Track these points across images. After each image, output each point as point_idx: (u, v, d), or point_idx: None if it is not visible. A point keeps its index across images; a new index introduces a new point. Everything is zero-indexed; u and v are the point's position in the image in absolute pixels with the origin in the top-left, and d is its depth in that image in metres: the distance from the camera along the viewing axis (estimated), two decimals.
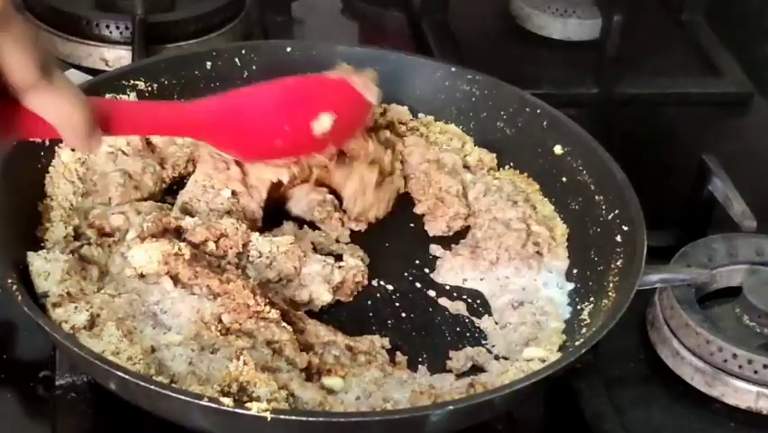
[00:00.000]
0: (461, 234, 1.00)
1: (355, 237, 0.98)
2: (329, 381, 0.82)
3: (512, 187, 1.02)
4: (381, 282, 0.94)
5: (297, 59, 1.05)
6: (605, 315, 0.85)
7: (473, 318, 0.92)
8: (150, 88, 1.02)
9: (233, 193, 0.95)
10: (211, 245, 0.90)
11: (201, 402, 0.72)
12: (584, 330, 0.87)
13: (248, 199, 0.96)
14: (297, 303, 0.90)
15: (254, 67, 1.06)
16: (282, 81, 0.94)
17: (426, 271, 0.96)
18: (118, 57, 1.20)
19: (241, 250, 0.91)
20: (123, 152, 0.98)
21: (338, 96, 0.94)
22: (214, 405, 0.72)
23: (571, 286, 0.94)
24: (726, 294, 0.97)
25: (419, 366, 0.86)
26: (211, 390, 0.77)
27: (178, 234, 0.90)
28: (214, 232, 0.90)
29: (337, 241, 0.97)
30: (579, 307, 0.91)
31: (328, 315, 0.91)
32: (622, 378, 0.92)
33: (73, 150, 0.95)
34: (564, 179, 1.01)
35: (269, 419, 0.72)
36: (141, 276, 0.86)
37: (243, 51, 1.06)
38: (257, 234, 0.92)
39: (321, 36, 1.35)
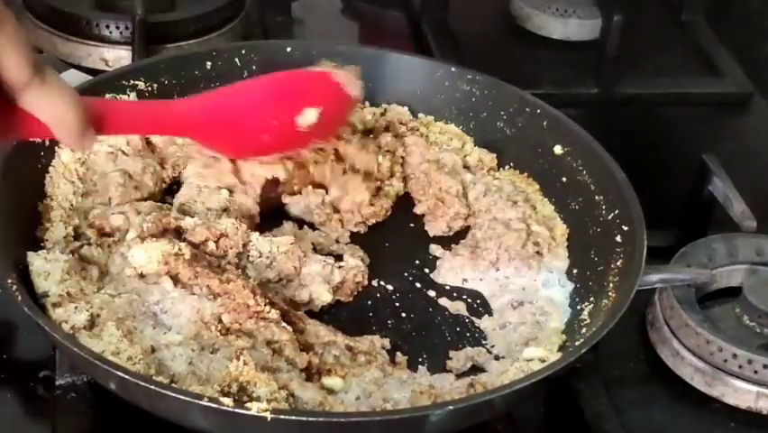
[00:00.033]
0: (461, 234, 1.00)
1: (355, 237, 0.98)
2: (329, 381, 0.82)
3: (512, 187, 1.02)
4: (381, 282, 0.94)
5: (296, 59, 1.05)
6: (605, 315, 0.85)
7: (473, 318, 0.92)
8: (150, 88, 1.02)
9: (230, 192, 0.96)
10: (211, 245, 0.90)
11: (201, 402, 0.72)
12: (584, 330, 0.87)
13: (243, 197, 0.96)
14: (297, 303, 0.90)
15: (254, 67, 1.06)
16: (267, 77, 0.95)
17: (426, 271, 0.96)
18: (118, 57, 1.20)
19: (241, 250, 0.91)
20: (123, 152, 0.98)
21: (322, 90, 0.95)
22: (214, 405, 0.72)
23: (571, 286, 0.94)
24: (726, 294, 0.97)
25: (419, 366, 0.86)
26: (211, 390, 0.77)
27: (178, 234, 0.90)
28: (214, 232, 0.90)
29: (337, 241, 0.97)
30: (579, 307, 0.91)
31: (328, 315, 0.91)
32: (622, 378, 0.92)
33: (73, 150, 0.95)
34: (564, 179, 1.01)
35: (269, 419, 0.72)
36: (141, 276, 0.86)
37: (243, 51, 1.06)
38: (257, 234, 0.92)
39: (321, 36, 1.35)
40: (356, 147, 1.00)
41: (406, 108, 1.08)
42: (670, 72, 1.34)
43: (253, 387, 0.77)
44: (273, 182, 0.98)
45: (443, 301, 0.93)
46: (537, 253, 0.96)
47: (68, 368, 0.84)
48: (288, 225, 0.97)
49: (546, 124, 1.03)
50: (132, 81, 1.01)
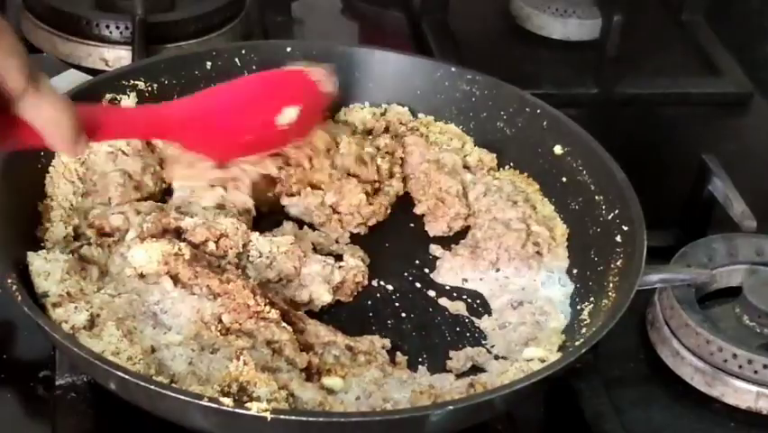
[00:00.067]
0: (461, 234, 1.00)
1: (355, 237, 0.98)
2: (329, 381, 0.82)
3: (512, 187, 1.02)
4: (381, 282, 0.94)
5: (296, 59, 1.05)
6: (605, 315, 0.85)
7: (473, 318, 0.92)
8: (150, 88, 1.02)
9: (224, 188, 0.96)
10: (211, 245, 0.90)
11: (201, 402, 0.72)
12: (584, 330, 0.87)
13: (235, 192, 0.96)
14: (297, 303, 0.90)
15: (254, 67, 1.05)
16: (245, 78, 0.98)
17: (426, 271, 0.96)
18: (118, 57, 1.20)
19: (241, 250, 0.91)
20: (123, 152, 0.98)
21: (300, 88, 0.97)
22: (214, 405, 0.72)
23: (570, 286, 0.94)
24: (726, 294, 0.97)
25: (419, 366, 0.86)
26: (211, 390, 0.77)
27: (178, 234, 0.90)
28: (214, 232, 0.90)
29: (337, 241, 0.97)
30: (579, 307, 0.91)
31: (328, 315, 0.91)
32: (622, 378, 0.92)
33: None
34: (564, 179, 1.01)
35: (269, 419, 0.72)
36: (141, 276, 0.86)
37: (243, 51, 1.06)
38: (257, 234, 0.92)
39: (321, 36, 1.35)
40: (352, 159, 1.00)
41: (406, 108, 1.08)
42: (670, 72, 1.35)
43: (253, 387, 0.77)
44: (269, 181, 0.98)
45: (443, 301, 0.93)
46: (537, 253, 0.96)
47: (68, 368, 0.84)
48: (288, 226, 0.97)
49: (546, 124, 1.03)
50: (132, 81, 1.01)
